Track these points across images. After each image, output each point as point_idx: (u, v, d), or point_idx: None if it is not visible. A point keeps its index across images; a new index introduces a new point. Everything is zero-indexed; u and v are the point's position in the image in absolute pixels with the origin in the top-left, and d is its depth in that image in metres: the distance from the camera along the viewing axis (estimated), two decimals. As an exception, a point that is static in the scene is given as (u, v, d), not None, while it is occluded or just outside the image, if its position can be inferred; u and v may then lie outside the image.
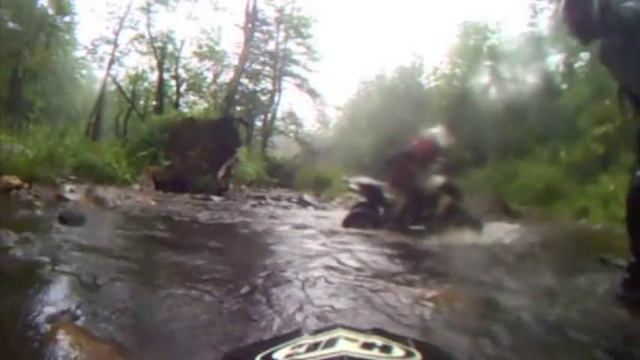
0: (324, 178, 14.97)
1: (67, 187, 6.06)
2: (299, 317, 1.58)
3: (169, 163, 10.03)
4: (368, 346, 0.33)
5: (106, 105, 16.59)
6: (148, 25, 16.68)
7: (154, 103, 17.19)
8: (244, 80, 20.55)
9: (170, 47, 17.57)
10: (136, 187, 8.87)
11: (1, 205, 4.28)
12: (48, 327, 1.28)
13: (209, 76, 19.42)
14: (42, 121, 11.94)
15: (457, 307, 1.75)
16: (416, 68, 21.83)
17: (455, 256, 3.07)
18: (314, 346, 0.34)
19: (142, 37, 16.90)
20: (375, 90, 23.23)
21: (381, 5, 41.89)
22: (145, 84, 18.25)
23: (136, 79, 17.66)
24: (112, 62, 16.43)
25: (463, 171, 11.70)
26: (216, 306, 1.65)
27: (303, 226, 4.62)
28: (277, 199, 10.39)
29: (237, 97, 19.63)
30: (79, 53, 18.01)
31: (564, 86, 15.99)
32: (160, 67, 17.01)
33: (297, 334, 0.38)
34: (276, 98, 21.84)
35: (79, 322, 1.36)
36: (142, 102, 17.86)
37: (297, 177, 16.55)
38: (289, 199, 10.33)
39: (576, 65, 15.90)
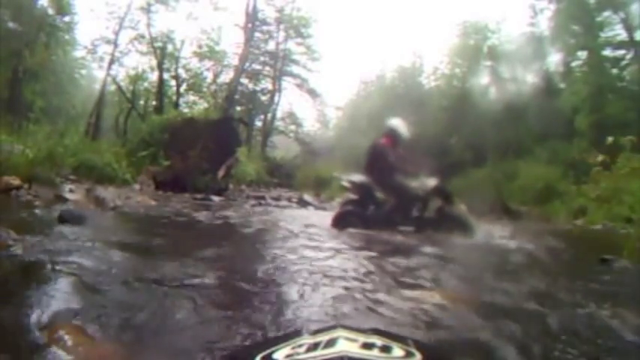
0: (324, 178, 14.96)
1: (67, 187, 6.06)
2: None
3: (169, 163, 10.03)
4: (368, 346, 0.33)
5: (106, 105, 16.60)
6: (148, 25, 16.71)
7: (154, 103, 17.20)
8: (244, 80, 20.58)
9: (170, 47, 17.59)
10: (136, 187, 8.87)
11: (1, 205, 4.28)
12: (48, 327, 1.28)
13: (209, 76, 19.47)
14: (42, 121, 11.95)
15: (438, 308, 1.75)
16: (416, 68, 21.84)
17: (426, 257, 3.06)
18: (314, 346, 0.34)
19: (142, 37, 16.92)
20: (375, 90, 23.24)
21: (381, 5, 41.90)
22: (145, 84, 18.27)
23: (136, 79, 17.67)
24: (112, 62, 16.45)
25: (462, 171, 11.71)
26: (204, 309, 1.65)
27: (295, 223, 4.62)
28: (277, 199, 10.39)
29: (237, 97, 19.65)
30: (79, 53, 18.05)
31: (563, 86, 16.00)
32: (160, 67, 17.01)
33: (297, 334, 0.38)
34: (276, 98, 21.89)
35: (79, 322, 1.36)
36: (142, 102, 17.87)
37: (297, 177, 16.57)
38: (289, 199, 10.33)
39: (574, 64, 15.91)
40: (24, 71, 14.56)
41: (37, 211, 3.84)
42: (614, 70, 14.67)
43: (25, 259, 2.08)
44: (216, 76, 19.57)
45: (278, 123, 22.39)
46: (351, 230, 4.29)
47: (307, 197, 10.61)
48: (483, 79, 17.97)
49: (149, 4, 16.57)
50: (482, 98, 16.62)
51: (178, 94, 17.82)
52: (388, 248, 3.42)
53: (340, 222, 4.49)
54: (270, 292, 1.93)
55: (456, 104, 17.07)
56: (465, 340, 1.45)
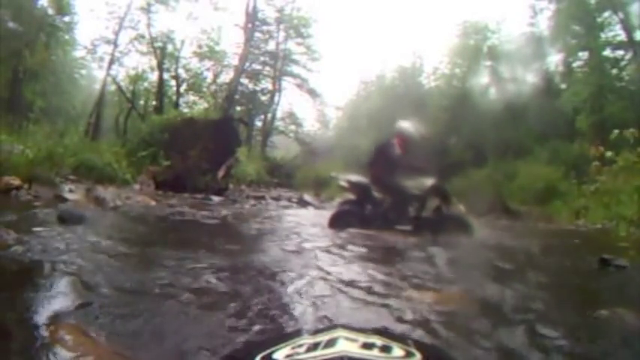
0: (324, 178, 14.93)
1: (67, 187, 6.06)
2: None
3: (169, 163, 10.02)
4: (368, 346, 0.33)
5: (106, 105, 16.57)
6: (148, 25, 16.68)
7: (154, 103, 17.18)
8: (244, 80, 20.55)
9: (170, 47, 17.56)
10: (136, 187, 8.87)
11: (1, 205, 4.28)
12: (49, 327, 1.28)
13: (209, 76, 19.42)
14: (42, 121, 11.95)
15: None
16: (416, 68, 21.83)
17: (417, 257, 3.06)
18: (314, 346, 0.34)
19: (142, 37, 16.89)
20: (375, 90, 23.23)
21: (381, 5, 41.90)
22: (145, 84, 18.24)
23: (136, 79, 17.65)
24: (112, 62, 16.42)
25: (462, 171, 11.70)
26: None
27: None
28: (277, 199, 10.39)
29: (237, 97, 19.63)
30: (79, 53, 18.02)
31: (563, 86, 16.01)
32: (160, 67, 17.00)
33: (297, 334, 0.38)
34: (276, 98, 21.87)
35: (79, 322, 1.36)
36: (142, 102, 17.84)
37: (297, 177, 16.57)
38: (289, 199, 10.33)
39: (575, 65, 15.92)
40: (24, 71, 14.55)
41: (36, 211, 3.84)
42: (614, 71, 14.69)
43: (25, 259, 2.08)
44: (216, 76, 19.56)
45: (278, 123, 22.38)
46: (351, 230, 4.29)
47: (307, 197, 10.60)
48: (483, 79, 17.96)
49: (149, 4, 16.56)
50: (482, 98, 16.61)
51: (178, 94, 17.80)
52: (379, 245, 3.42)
53: (337, 222, 4.46)
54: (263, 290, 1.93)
55: (456, 104, 17.06)
56: (465, 340, 1.45)
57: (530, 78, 16.24)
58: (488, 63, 18.09)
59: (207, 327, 1.44)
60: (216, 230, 4.23)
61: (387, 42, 42.51)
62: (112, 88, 17.28)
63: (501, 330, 1.53)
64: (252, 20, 18.35)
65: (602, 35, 14.77)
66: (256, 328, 1.46)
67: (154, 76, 17.66)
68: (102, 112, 16.00)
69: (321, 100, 22.78)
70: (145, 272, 2.08)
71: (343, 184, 4.74)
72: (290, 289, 1.96)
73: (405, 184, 4.54)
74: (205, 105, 17.77)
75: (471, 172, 12.60)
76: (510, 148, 14.58)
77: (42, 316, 1.36)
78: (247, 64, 19.44)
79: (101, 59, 16.91)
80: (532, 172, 12.65)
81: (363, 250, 3.19)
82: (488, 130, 15.03)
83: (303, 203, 9.72)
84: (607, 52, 14.88)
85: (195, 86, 18.80)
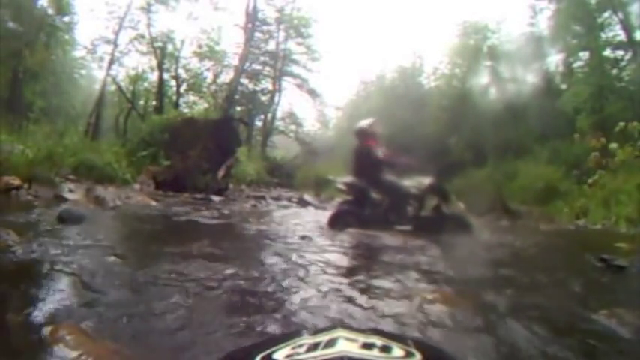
0: (324, 178, 14.93)
1: (67, 186, 6.06)
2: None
3: (169, 163, 10.02)
4: (368, 346, 0.33)
5: (106, 105, 16.57)
6: (148, 25, 16.68)
7: (154, 103, 17.18)
8: (244, 80, 20.55)
9: (170, 47, 17.56)
10: (136, 187, 8.87)
11: (1, 205, 4.28)
12: (48, 326, 1.28)
13: (209, 76, 19.42)
14: (42, 121, 11.96)
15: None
16: (416, 68, 21.84)
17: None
18: (314, 346, 0.34)
19: (142, 37, 16.88)
20: (375, 90, 23.24)
21: (381, 5, 41.91)
22: (145, 84, 18.25)
23: (136, 79, 17.65)
24: (112, 62, 16.41)
25: (462, 171, 11.70)
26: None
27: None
28: (277, 199, 10.39)
29: (237, 97, 19.63)
30: (79, 53, 18.02)
31: (564, 86, 16.01)
32: (160, 67, 17.00)
33: (297, 334, 0.38)
34: (276, 98, 21.86)
35: (79, 322, 1.36)
36: (142, 102, 17.85)
37: (297, 177, 16.56)
38: (289, 199, 10.33)
39: (575, 65, 15.92)
40: (24, 71, 14.55)
41: (36, 211, 3.84)
42: (614, 71, 14.69)
43: (25, 259, 2.08)
44: (216, 76, 19.56)
45: (278, 123, 22.37)
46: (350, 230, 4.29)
47: (307, 197, 10.60)
48: (483, 79, 17.96)
49: (149, 4, 16.56)
50: (482, 98, 16.61)
51: (178, 94, 17.81)
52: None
53: (337, 222, 4.46)
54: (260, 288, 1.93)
55: (456, 104, 17.06)
56: (464, 340, 1.45)
57: (530, 78, 16.25)
58: (488, 63, 18.09)
59: (207, 326, 1.45)
60: (215, 230, 4.22)
61: (387, 42, 42.54)
62: (112, 88, 17.28)
63: (498, 330, 1.53)
64: (252, 20, 18.36)
65: (603, 35, 14.77)
66: (259, 332, 1.46)
67: (154, 76, 17.68)
68: (102, 112, 16.00)
69: (321, 100, 22.78)
70: (145, 272, 2.08)
71: (340, 186, 4.75)
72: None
73: (401, 183, 4.55)
74: (205, 105, 17.78)
75: (470, 172, 12.59)
76: (510, 148, 14.58)
77: (42, 316, 1.37)
78: (247, 64, 19.44)
79: (101, 59, 16.92)
80: (532, 172, 12.65)
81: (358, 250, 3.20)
82: (488, 130, 15.03)
83: (303, 203, 9.71)
84: (607, 53, 14.89)
85: (195, 86, 18.80)
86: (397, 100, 19.41)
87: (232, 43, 19.49)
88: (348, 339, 0.34)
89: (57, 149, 7.61)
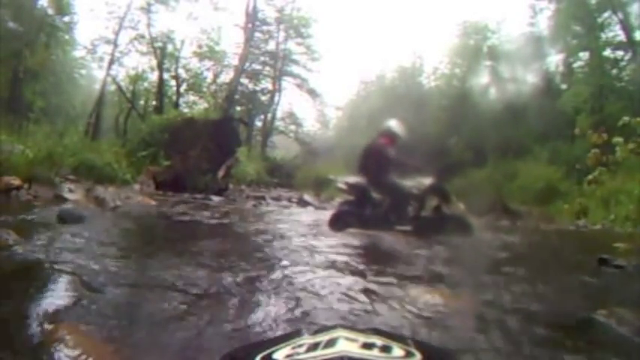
0: (324, 178, 14.91)
1: (67, 186, 6.06)
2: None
3: (169, 163, 10.02)
4: (368, 346, 0.33)
5: (105, 105, 16.56)
6: (148, 25, 16.66)
7: (154, 103, 17.17)
8: (244, 80, 20.54)
9: (170, 47, 17.55)
10: (136, 187, 8.87)
11: (1, 205, 4.28)
12: (48, 326, 1.28)
13: (209, 76, 19.41)
14: (42, 121, 11.95)
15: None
16: (416, 68, 21.82)
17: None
18: (314, 346, 0.34)
19: (142, 37, 16.87)
20: (375, 90, 23.23)
21: (381, 5, 41.86)
22: (145, 84, 18.24)
23: (136, 79, 17.64)
24: (111, 62, 16.40)
25: (462, 171, 11.69)
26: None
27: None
28: (277, 199, 10.39)
29: (237, 97, 19.62)
30: (79, 53, 18.02)
31: (564, 86, 16.01)
32: (160, 67, 16.99)
33: (297, 334, 0.38)
34: (276, 98, 21.85)
35: (78, 321, 1.36)
36: (142, 102, 17.85)
37: (297, 177, 16.54)
38: (289, 199, 10.33)
39: (575, 65, 15.93)
40: (24, 71, 14.55)
41: (36, 210, 3.84)
42: (614, 71, 14.70)
43: (25, 258, 2.08)
44: (216, 76, 19.56)
45: (278, 123, 22.37)
46: (351, 230, 4.29)
47: (307, 197, 10.59)
48: (483, 79, 17.96)
49: (149, 4, 16.54)
50: (482, 98, 16.61)
51: (178, 94, 17.80)
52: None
53: (337, 222, 4.45)
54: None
55: (456, 104, 17.06)
56: (462, 339, 1.45)
57: (530, 78, 16.25)
58: (488, 63, 18.09)
59: (207, 326, 1.44)
60: (216, 230, 4.22)
61: (387, 42, 42.49)
62: (112, 88, 17.27)
63: (496, 330, 1.53)
64: (252, 20, 18.34)
65: (603, 35, 14.78)
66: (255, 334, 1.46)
67: (154, 76, 17.66)
68: (102, 112, 15.99)
69: (321, 100, 22.78)
70: (145, 271, 2.08)
71: (341, 186, 4.73)
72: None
73: (403, 183, 4.53)
74: (205, 105, 17.76)
75: (471, 172, 12.59)
76: (510, 148, 14.57)
77: (42, 316, 1.36)
78: (247, 64, 19.43)
79: (101, 59, 16.91)
80: (532, 172, 12.64)
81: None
82: (488, 130, 15.03)
83: (303, 203, 9.71)
84: (607, 53, 14.89)
85: (195, 86, 18.80)
86: (397, 100, 19.39)
87: (232, 43, 19.50)
88: (348, 339, 0.34)
89: (57, 149, 7.60)
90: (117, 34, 16.40)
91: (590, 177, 3.82)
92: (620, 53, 14.73)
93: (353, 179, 4.67)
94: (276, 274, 2.19)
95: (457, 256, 3.24)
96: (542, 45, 16.68)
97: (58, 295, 1.59)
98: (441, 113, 17.34)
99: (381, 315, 1.66)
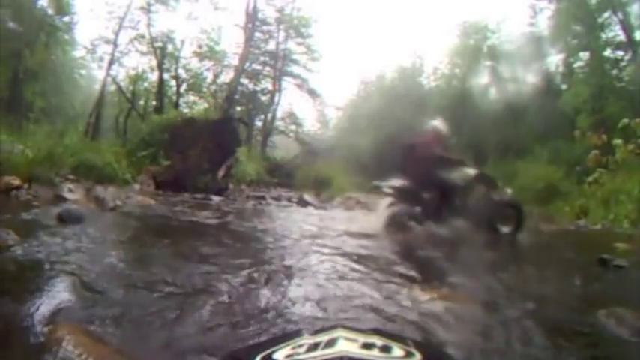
0: (324, 178, 14.94)
1: (67, 186, 6.05)
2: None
3: (169, 163, 10.02)
4: (368, 346, 0.33)
5: (105, 105, 16.57)
6: (148, 25, 16.68)
7: (154, 103, 17.19)
8: (244, 80, 20.53)
9: (170, 47, 17.56)
10: (136, 187, 8.86)
11: (1, 205, 4.28)
12: (48, 327, 1.28)
13: (209, 76, 19.43)
14: (42, 121, 11.96)
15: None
16: (416, 68, 21.84)
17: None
18: (314, 346, 0.34)
19: (142, 37, 16.88)
20: (375, 90, 23.24)
21: (381, 5, 41.90)
22: (145, 84, 18.25)
23: (136, 79, 17.65)
24: (111, 62, 16.41)
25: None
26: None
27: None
28: (277, 199, 10.38)
29: (237, 97, 19.62)
30: (79, 53, 18.03)
31: (564, 86, 16.02)
32: (160, 67, 17.00)
33: (297, 334, 0.38)
34: (276, 98, 21.84)
35: (78, 322, 1.36)
36: (142, 102, 17.85)
37: (297, 177, 16.54)
38: (289, 199, 10.33)
39: (575, 65, 15.93)
40: (24, 71, 14.55)
41: (36, 211, 3.84)
42: (614, 71, 14.70)
43: (25, 258, 2.08)
44: (216, 76, 19.56)
45: (278, 123, 22.36)
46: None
47: (307, 197, 10.59)
48: (483, 79, 17.97)
49: (149, 4, 16.55)
50: (483, 98, 16.62)
51: (178, 94, 17.81)
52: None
53: (393, 224, 4.39)
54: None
55: (456, 104, 17.06)
56: (462, 338, 1.45)
57: (530, 78, 16.26)
58: (488, 63, 18.10)
59: (207, 326, 1.45)
60: (216, 230, 4.22)
61: (387, 42, 42.54)
62: (112, 88, 17.28)
63: (495, 329, 1.53)
64: (252, 20, 18.33)
65: (603, 35, 14.78)
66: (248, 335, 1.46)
67: (154, 76, 17.69)
68: (102, 112, 16.00)
69: (321, 100, 22.77)
70: (145, 272, 2.08)
71: (387, 190, 4.72)
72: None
73: (450, 176, 4.58)
74: (205, 105, 17.79)
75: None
76: (510, 148, 14.59)
77: (42, 316, 1.36)
78: (247, 64, 19.42)
79: (101, 59, 16.93)
80: (532, 172, 12.64)
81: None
82: (488, 130, 15.04)
83: (303, 203, 9.71)
84: (607, 53, 14.89)
85: (195, 86, 18.80)
86: (397, 100, 19.41)
87: (232, 43, 19.51)
88: (348, 339, 0.34)
89: (57, 149, 7.59)
90: (117, 34, 16.42)
91: (590, 179, 3.83)
92: (620, 53, 14.74)
93: (397, 182, 4.66)
94: (281, 275, 2.19)
95: (456, 256, 3.24)
96: (542, 45, 16.68)
97: (57, 296, 1.59)
98: (441, 113, 17.34)
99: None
